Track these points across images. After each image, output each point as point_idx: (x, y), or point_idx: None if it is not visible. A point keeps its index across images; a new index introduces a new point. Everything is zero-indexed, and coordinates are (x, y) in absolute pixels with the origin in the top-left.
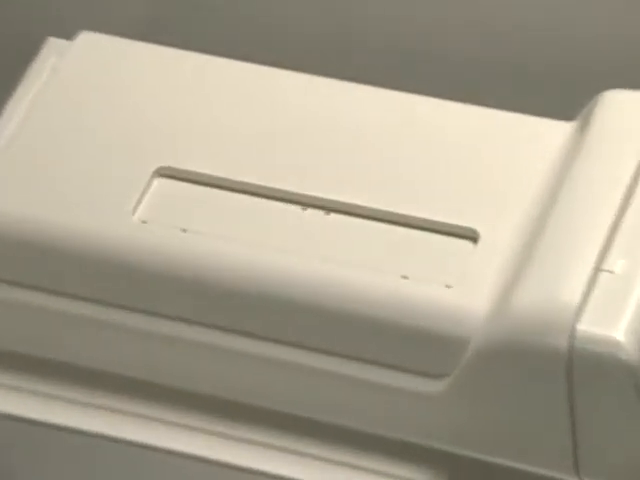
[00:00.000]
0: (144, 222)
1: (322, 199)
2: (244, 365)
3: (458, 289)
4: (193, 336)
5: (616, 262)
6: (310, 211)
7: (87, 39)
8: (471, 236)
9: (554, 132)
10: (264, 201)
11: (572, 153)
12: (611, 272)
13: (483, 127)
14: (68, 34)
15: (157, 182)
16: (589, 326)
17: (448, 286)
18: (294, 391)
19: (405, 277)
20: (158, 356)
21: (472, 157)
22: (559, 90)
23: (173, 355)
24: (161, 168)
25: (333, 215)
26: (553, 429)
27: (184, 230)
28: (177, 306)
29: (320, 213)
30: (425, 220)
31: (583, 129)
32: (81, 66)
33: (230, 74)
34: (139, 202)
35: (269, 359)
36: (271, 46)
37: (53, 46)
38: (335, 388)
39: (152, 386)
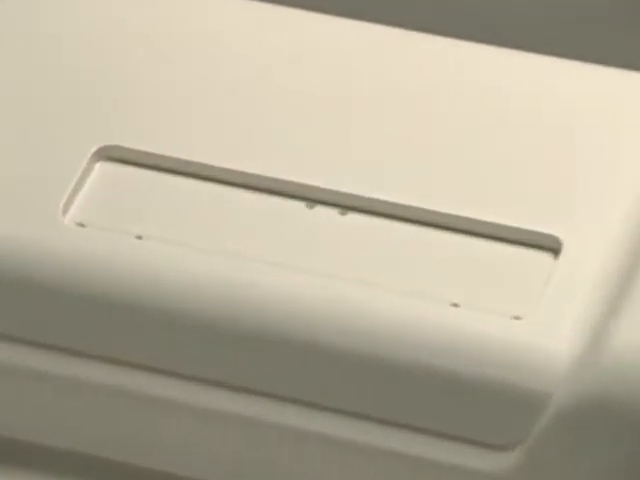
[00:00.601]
0: (81, 225)
1: (336, 192)
2: (240, 433)
3: (531, 322)
4: (158, 391)
5: None
6: (319, 209)
7: None
8: (551, 246)
9: None
10: (253, 195)
11: None
12: None
13: (572, 88)
14: None
15: (99, 168)
16: None
17: (517, 317)
18: (305, 469)
19: (456, 305)
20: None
21: (556, 133)
22: None
23: (127, 421)
24: (105, 148)
25: (351, 215)
26: None
27: (139, 237)
28: (129, 348)
29: (333, 213)
30: (485, 224)
31: None
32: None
33: (204, 11)
34: (73, 196)
35: (268, 424)
36: None
37: None
38: (359, 463)
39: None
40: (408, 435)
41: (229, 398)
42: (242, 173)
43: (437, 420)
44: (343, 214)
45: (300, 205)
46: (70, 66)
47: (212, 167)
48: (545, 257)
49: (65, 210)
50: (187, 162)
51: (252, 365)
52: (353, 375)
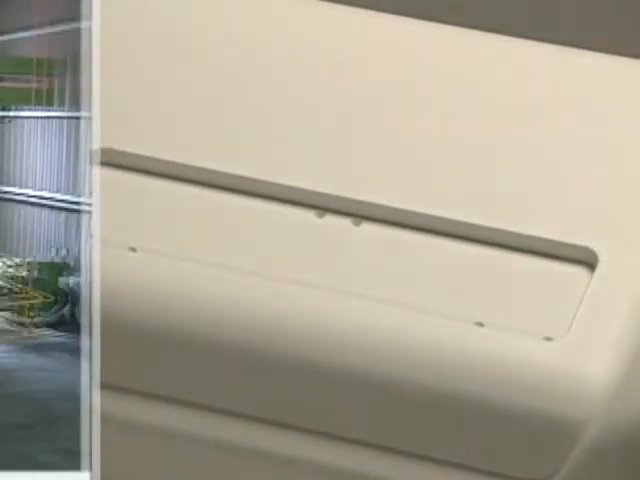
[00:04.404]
0: None
1: (350, 200)
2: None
3: (564, 343)
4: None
5: None
6: (330, 219)
7: None
8: (586, 260)
9: None
10: (257, 203)
11: None
12: None
13: (606, 89)
14: None
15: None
16: None
17: (548, 338)
18: None
19: (480, 324)
20: None
21: (589, 140)
22: None
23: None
24: (96, 151)
25: (366, 226)
26: None
27: (132, 249)
28: (125, 372)
29: (345, 222)
30: (512, 235)
31: None
32: None
33: (203, 11)
34: None
35: (273, 455)
36: None
37: None
38: None
39: None
40: (429, 469)
41: (236, 428)
42: (245, 179)
43: (460, 452)
44: (357, 224)
45: (309, 214)
46: None
47: (213, 172)
48: (580, 272)
49: None
50: (187, 167)
51: (257, 391)
52: (369, 403)
